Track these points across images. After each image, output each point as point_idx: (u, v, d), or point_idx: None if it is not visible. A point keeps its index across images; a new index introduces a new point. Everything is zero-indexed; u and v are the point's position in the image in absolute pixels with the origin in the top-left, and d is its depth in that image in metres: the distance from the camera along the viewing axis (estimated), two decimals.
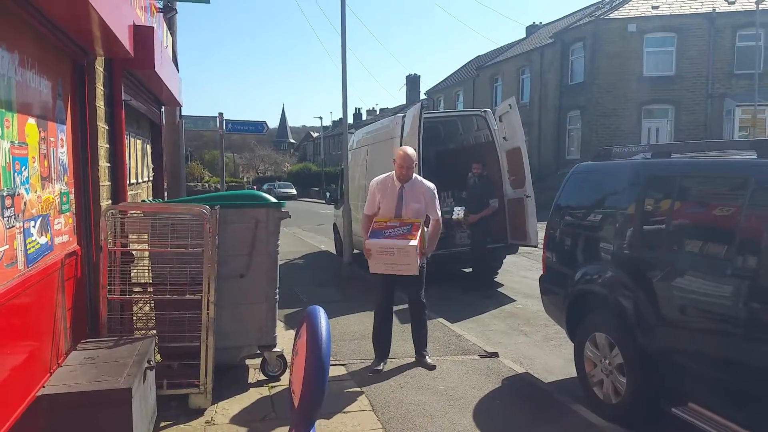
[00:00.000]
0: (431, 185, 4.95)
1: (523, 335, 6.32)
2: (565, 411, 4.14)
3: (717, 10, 22.47)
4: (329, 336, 2.43)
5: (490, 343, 5.90)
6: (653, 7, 23.57)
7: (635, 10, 23.71)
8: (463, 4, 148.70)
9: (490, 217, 8.31)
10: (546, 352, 5.72)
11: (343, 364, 5.15)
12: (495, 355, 5.34)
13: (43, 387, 2.73)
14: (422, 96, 44.84)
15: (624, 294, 3.89)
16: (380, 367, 4.94)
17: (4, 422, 2.46)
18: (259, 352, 4.62)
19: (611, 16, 23.69)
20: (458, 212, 8.53)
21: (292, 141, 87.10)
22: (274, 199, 4.58)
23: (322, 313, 2.51)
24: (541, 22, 34.26)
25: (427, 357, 5.08)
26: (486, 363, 5.13)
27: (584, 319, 4.36)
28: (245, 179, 63.51)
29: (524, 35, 34.50)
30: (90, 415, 2.68)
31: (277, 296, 4.61)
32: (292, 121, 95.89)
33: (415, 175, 4.92)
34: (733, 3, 23.03)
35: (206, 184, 35.62)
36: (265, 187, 50.90)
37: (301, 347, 2.48)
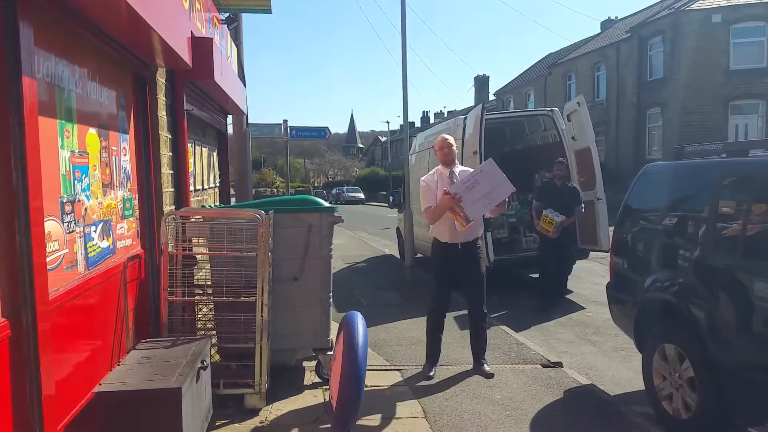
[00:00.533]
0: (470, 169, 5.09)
1: (591, 345, 6.03)
2: (630, 425, 3.90)
3: None
4: (366, 342, 2.40)
5: (554, 352, 5.67)
6: None
7: None
8: (534, 2, 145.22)
9: (573, 223, 7.75)
10: (614, 363, 5.42)
11: (398, 369, 5.10)
12: (559, 364, 5.12)
13: (100, 384, 2.85)
14: (491, 97, 44.15)
15: (696, 303, 3.61)
16: (432, 373, 4.85)
17: (64, 416, 2.59)
18: (314, 354, 4.66)
19: (693, 7, 22.32)
20: (556, 216, 7.21)
21: (360, 146, 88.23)
22: (327, 204, 4.61)
23: (359, 319, 2.50)
24: (617, 17, 32.86)
25: (485, 365, 4.95)
26: (548, 373, 4.93)
27: (653, 329, 4.09)
28: (315, 184, 65.01)
29: (599, 31, 33.22)
30: (142, 413, 2.78)
31: (331, 299, 4.63)
32: (361, 126, 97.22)
33: (456, 162, 4.99)
34: None
35: (275, 189, 36.71)
36: (333, 191, 51.99)
37: (338, 353, 2.47)
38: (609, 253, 4.97)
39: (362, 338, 2.23)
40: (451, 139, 4.93)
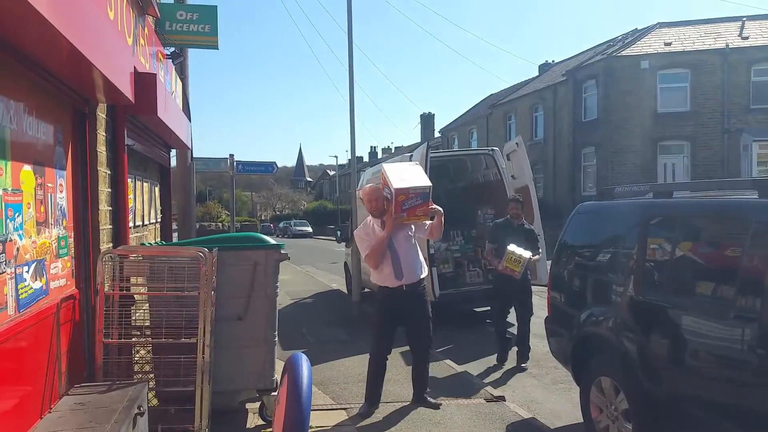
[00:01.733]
0: None
1: (532, 377, 6.16)
2: None
3: (731, 46, 22.52)
4: (310, 385, 2.40)
5: (496, 385, 5.75)
6: (666, 44, 23.71)
7: (648, 47, 23.87)
8: (475, 45, 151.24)
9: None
10: (555, 396, 5.55)
11: (344, 408, 5.04)
12: (502, 399, 5.19)
13: None
14: (436, 134, 45.23)
15: (628, 337, 3.77)
16: (367, 411, 4.85)
17: None
18: (257, 395, 4.55)
19: (623, 53, 23.86)
20: (524, 252, 6.29)
21: (309, 179, 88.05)
22: (272, 241, 4.58)
23: (304, 361, 2.49)
24: (554, 61, 34.62)
25: (428, 397, 5.03)
26: (491, 407, 4.99)
27: (589, 363, 4.23)
28: (262, 217, 64.09)
29: (537, 73, 34.84)
30: None
31: (276, 338, 4.57)
32: (309, 160, 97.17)
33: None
34: (747, 39, 23.07)
35: (221, 224, 35.96)
36: (281, 225, 51.45)
37: (282, 396, 2.44)
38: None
39: (306, 381, 2.22)
40: (377, 190, 4.85)
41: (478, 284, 9.24)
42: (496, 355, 6.74)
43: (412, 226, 4.87)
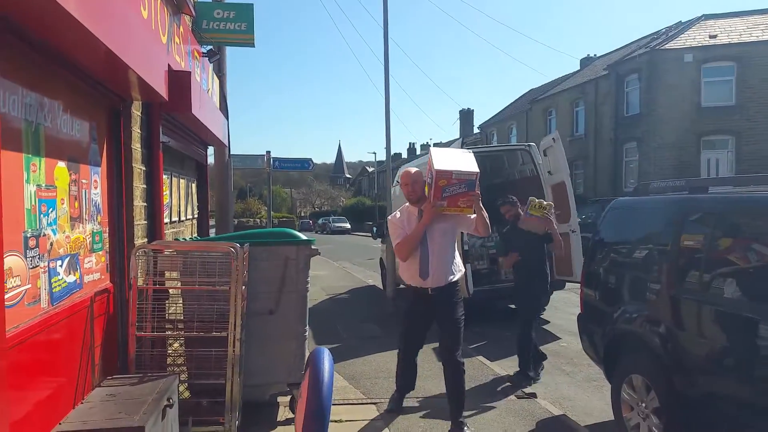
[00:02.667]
0: None
1: (565, 375, 6.03)
2: None
3: None
4: (331, 379, 2.39)
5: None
6: (711, 36, 22.78)
7: (692, 39, 22.99)
8: (516, 40, 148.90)
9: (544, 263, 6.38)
10: (587, 394, 5.43)
11: (374, 403, 5.05)
12: (533, 396, 5.12)
13: (60, 424, 2.79)
14: (475, 130, 44.79)
15: (661, 335, 3.65)
16: (394, 406, 4.79)
17: None
18: (288, 389, 4.59)
19: (667, 46, 23.05)
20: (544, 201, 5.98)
21: (348, 176, 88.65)
22: (304, 237, 4.61)
23: (326, 356, 2.49)
24: (595, 54, 33.77)
25: (465, 428, 4.25)
26: (522, 404, 4.92)
27: (621, 360, 4.12)
28: (301, 213, 64.86)
29: (578, 68, 34.07)
30: None
31: (307, 333, 4.59)
32: (348, 157, 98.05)
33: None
34: None
35: (260, 219, 36.54)
36: (320, 221, 51.96)
37: (304, 390, 2.45)
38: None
39: (327, 374, 2.22)
40: (417, 173, 4.43)
41: (513, 281, 9.10)
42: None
43: (455, 220, 4.31)
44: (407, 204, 4.50)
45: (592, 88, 27.46)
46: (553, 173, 8.62)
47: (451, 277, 4.34)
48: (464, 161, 4.19)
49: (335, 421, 4.54)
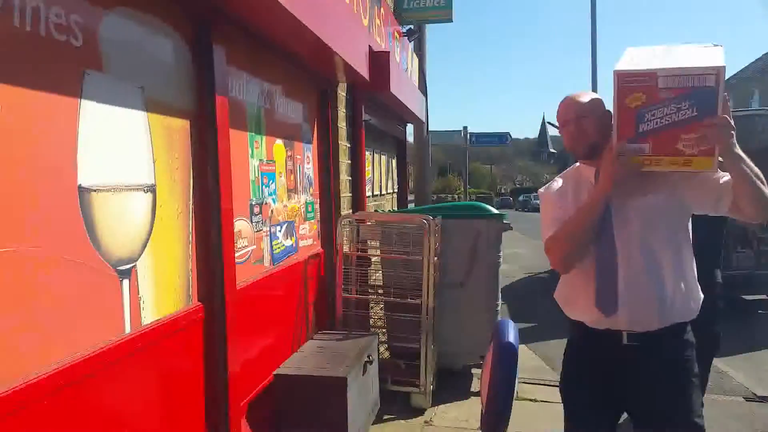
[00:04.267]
0: None
1: None
2: None
3: None
4: (516, 351, 2.34)
5: (762, 384, 4.88)
6: None
7: None
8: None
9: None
10: None
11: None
12: (765, 399, 4.41)
13: (280, 367, 3.20)
14: None
15: None
16: None
17: (247, 393, 2.96)
18: (480, 361, 4.64)
19: None
20: None
21: (552, 150, 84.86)
22: (495, 211, 4.57)
23: (510, 326, 2.43)
24: None
25: None
26: (751, 407, 4.28)
27: None
28: (501, 190, 64.14)
29: None
30: (312, 397, 3.05)
31: (499, 307, 4.57)
32: (553, 130, 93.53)
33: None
34: None
35: (457, 196, 37.00)
36: (520, 198, 50.81)
37: (488, 361, 2.44)
38: None
39: (511, 346, 2.17)
40: (588, 101, 2.09)
41: (749, 268, 7.90)
42: (766, 349, 5.69)
43: (677, 186, 1.98)
44: (578, 165, 2.23)
45: None
46: None
47: (679, 311, 2.02)
48: (688, 56, 1.93)
49: (530, 400, 4.47)
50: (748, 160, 1.79)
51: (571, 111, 2.10)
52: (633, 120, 1.83)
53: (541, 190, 2.29)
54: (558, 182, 2.23)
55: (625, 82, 1.82)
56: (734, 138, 1.76)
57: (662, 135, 1.80)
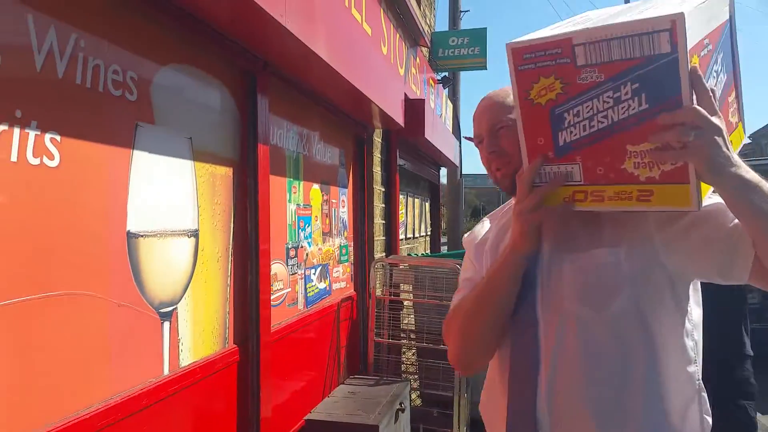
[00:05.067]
0: None
1: None
2: None
3: None
4: None
5: None
6: None
7: None
8: None
9: None
10: None
11: None
12: None
13: (311, 412, 3.19)
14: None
15: None
16: None
17: None
18: None
19: None
20: None
21: None
22: None
23: None
24: None
25: None
26: None
27: None
28: None
29: None
30: None
31: None
32: None
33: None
34: None
35: None
36: None
37: None
38: None
39: None
40: (494, 97, 1.30)
41: None
42: None
43: (645, 223, 1.12)
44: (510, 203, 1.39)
45: None
46: None
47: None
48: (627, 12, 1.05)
49: None
50: (763, 183, 0.95)
51: (485, 120, 1.29)
52: (546, 125, 1.06)
53: (465, 236, 1.53)
54: (484, 225, 1.46)
55: (525, 62, 1.05)
56: (725, 145, 0.93)
57: (597, 148, 1.02)
